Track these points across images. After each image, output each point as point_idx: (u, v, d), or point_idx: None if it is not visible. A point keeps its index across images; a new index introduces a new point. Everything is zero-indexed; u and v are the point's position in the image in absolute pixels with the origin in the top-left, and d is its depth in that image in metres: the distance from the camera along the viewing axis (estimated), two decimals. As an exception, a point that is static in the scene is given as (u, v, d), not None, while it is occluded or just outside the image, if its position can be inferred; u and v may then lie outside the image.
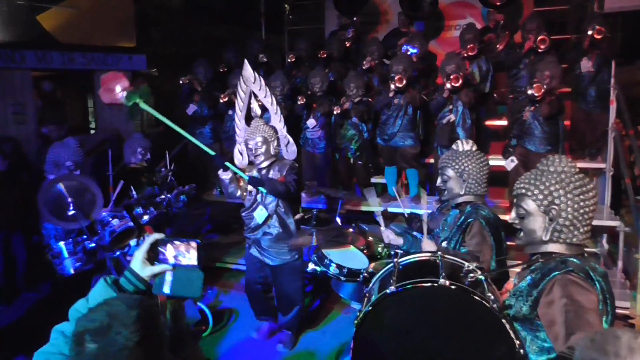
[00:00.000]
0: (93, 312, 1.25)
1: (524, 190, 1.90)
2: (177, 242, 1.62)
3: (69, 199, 3.64)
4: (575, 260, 1.78)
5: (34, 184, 4.11)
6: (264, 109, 4.26)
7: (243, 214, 4.11)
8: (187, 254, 1.61)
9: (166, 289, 1.58)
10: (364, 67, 6.40)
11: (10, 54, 7.12)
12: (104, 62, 8.01)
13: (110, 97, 3.11)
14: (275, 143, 3.98)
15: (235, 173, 3.89)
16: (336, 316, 4.91)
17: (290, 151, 4.11)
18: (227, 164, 3.77)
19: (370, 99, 6.01)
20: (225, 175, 3.84)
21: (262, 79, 4.02)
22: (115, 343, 1.17)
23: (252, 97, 4.10)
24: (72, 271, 3.67)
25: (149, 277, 1.55)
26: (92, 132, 9.54)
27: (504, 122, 6.37)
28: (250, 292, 4.32)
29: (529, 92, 4.97)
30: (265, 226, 3.99)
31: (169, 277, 1.58)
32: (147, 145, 4.96)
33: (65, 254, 3.65)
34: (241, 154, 4.19)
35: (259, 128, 3.92)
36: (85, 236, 3.71)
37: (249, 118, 4.20)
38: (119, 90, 3.08)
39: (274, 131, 4.01)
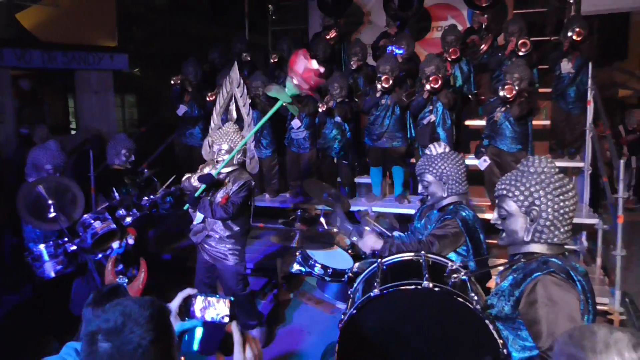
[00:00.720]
0: (106, 312, 1.25)
1: (505, 192, 1.93)
2: (210, 298, 1.59)
3: (50, 201, 3.59)
4: (556, 260, 1.82)
5: (14, 185, 4.04)
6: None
7: (190, 210, 4.10)
8: (217, 306, 1.57)
9: (195, 346, 1.52)
10: (352, 67, 6.40)
11: (-12, 52, 7.00)
12: (84, 61, 7.93)
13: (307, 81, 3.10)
14: (240, 154, 3.90)
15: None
16: (322, 316, 4.92)
17: (252, 165, 4.10)
18: (204, 186, 3.77)
19: (355, 99, 6.03)
20: (195, 183, 3.86)
21: (245, 86, 4.02)
22: (130, 342, 1.18)
23: (233, 100, 4.12)
24: (52, 274, 3.61)
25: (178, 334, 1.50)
26: (73, 132, 9.41)
27: (483, 122, 6.44)
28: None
29: (500, 93, 5.06)
30: (208, 229, 3.97)
31: (198, 333, 1.52)
32: (132, 147, 4.90)
33: (46, 257, 3.59)
34: (210, 147, 4.12)
35: (228, 134, 3.85)
36: (66, 238, 3.65)
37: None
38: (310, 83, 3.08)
39: (242, 141, 3.92)
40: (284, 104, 3.60)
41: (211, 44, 7.42)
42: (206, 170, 3.93)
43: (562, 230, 1.84)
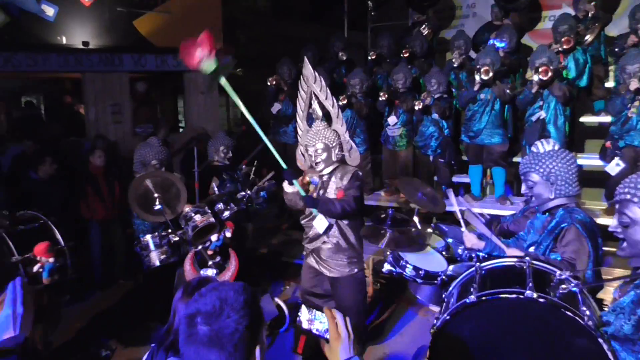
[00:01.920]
0: (203, 296, 1.31)
1: (629, 196, 1.69)
2: (316, 311, 1.59)
3: (156, 194, 3.82)
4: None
5: (127, 180, 4.37)
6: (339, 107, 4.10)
7: (302, 221, 3.86)
8: (323, 319, 1.55)
9: None
10: (454, 65, 6.14)
11: (110, 58, 7.67)
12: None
13: (189, 60, 2.95)
14: (337, 149, 3.65)
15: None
16: (414, 318, 4.78)
17: (353, 157, 3.78)
18: (295, 182, 3.53)
19: (450, 95, 5.80)
20: (289, 189, 3.63)
21: (322, 79, 3.79)
22: (228, 326, 1.25)
23: (314, 98, 3.86)
24: (157, 263, 3.85)
25: None
26: (181, 130, 10.04)
27: (600, 119, 5.87)
28: (304, 303, 3.97)
29: (633, 87, 4.50)
30: (325, 236, 3.69)
31: None
32: (230, 144, 5.10)
33: (152, 247, 3.84)
34: (303, 155, 3.92)
35: (319, 133, 3.62)
36: (170, 230, 3.87)
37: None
38: (198, 55, 2.90)
39: (336, 136, 3.67)
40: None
41: (307, 44, 7.53)
42: (309, 176, 3.78)
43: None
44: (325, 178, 3.69)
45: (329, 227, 3.63)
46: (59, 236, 3.49)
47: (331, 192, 3.64)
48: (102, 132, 7.37)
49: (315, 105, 3.84)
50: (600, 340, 1.56)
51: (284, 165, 3.57)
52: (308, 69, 3.79)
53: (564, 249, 2.46)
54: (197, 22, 8.47)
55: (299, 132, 3.97)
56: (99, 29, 7.47)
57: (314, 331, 1.55)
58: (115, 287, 5.63)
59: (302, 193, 3.57)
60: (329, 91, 3.76)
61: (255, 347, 1.30)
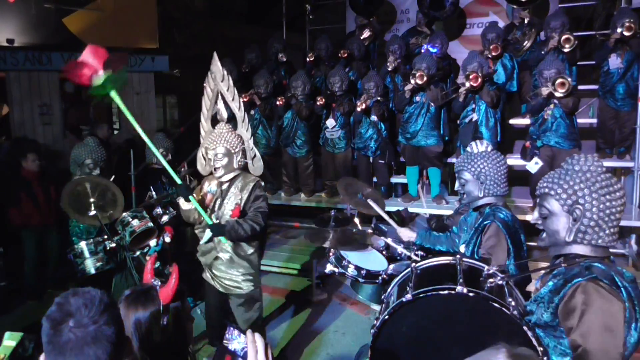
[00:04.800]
0: (66, 302, 1.35)
1: (547, 190, 1.84)
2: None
3: (91, 199, 3.69)
4: (600, 266, 1.71)
5: (63, 183, 4.19)
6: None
7: (197, 231, 3.57)
8: (240, 339, 1.49)
9: None
10: (388, 69, 6.30)
11: (38, 56, 7.29)
12: (127, 63, 8.12)
13: (80, 79, 2.72)
14: (240, 156, 3.40)
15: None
16: (356, 317, 4.88)
17: (256, 166, 3.55)
18: (192, 198, 3.20)
19: (387, 98, 5.97)
20: (186, 206, 3.33)
21: (230, 78, 3.53)
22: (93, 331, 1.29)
23: (220, 97, 3.63)
24: (93, 271, 3.72)
25: None
26: (116, 132, 9.69)
27: (528, 121, 6.24)
28: (207, 318, 3.80)
29: (552, 92, 4.85)
30: (217, 249, 3.42)
31: None
32: (169, 146, 5.00)
33: (87, 254, 3.71)
34: (204, 158, 3.61)
35: (222, 136, 3.34)
36: (105, 236, 3.75)
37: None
38: (86, 73, 2.69)
39: (240, 141, 3.42)
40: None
41: (249, 45, 7.49)
42: (206, 186, 3.50)
43: (607, 232, 1.73)
44: (224, 187, 3.43)
45: (212, 238, 3.38)
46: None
47: (229, 204, 3.37)
48: (29, 133, 7.00)
49: (220, 105, 3.60)
50: (524, 328, 1.68)
51: (178, 181, 3.18)
52: (217, 65, 3.53)
53: (485, 244, 2.65)
54: (131, 20, 8.22)
55: (202, 132, 3.69)
56: (25, 25, 7.09)
57: (230, 349, 1.49)
58: (46, 296, 5.36)
59: (204, 215, 3.27)
60: (236, 92, 3.54)
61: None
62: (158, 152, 3.15)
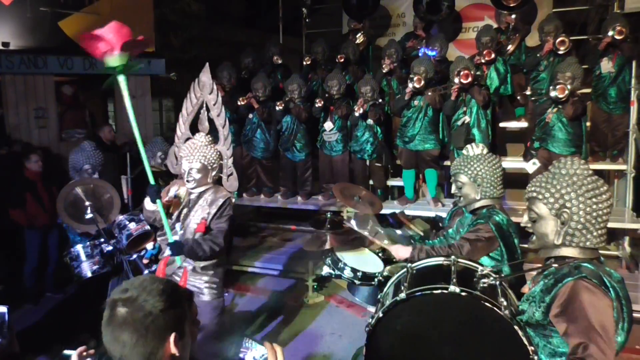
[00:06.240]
0: (126, 286, 1.43)
1: (535, 194, 1.88)
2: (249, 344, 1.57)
3: (87, 203, 3.70)
4: (589, 265, 1.75)
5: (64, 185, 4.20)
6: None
7: (159, 239, 3.48)
8: (256, 351, 1.54)
9: None
10: (384, 71, 6.35)
11: (34, 59, 7.29)
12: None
13: (92, 48, 2.65)
14: (216, 171, 3.32)
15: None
16: (353, 319, 4.90)
17: (230, 183, 3.44)
18: (158, 201, 3.05)
19: (382, 101, 6.01)
20: (150, 207, 3.22)
21: (219, 94, 3.46)
22: (141, 309, 1.35)
23: (204, 108, 3.52)
24: (89, 274, 3.72)
25: None
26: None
27: (522, 124, 6.30)
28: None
29: (552, 93, 4.91)
30: (181, 258, 3.20)
31: None
32: (167, 149, 5.00)
33: (83, 257, 3.70)
34: (177, 158, 3.49)
35: (200, 150, 3.22)
36: (102, 239, 3.76)
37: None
38: (102, 47, 2.62)
39: (219, 157, 3.33)
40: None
41: (246, 49, 7.52)
42: (174, 190, 3.34)
43: (595, 234, 1.77)
44: (193, 196, 3.29)
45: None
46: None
47: (195, 217, 3.24)
48: (25, 137, 7.00)
49: (203, 116, 3.47)
50: (515, 327, 1.72)
51: (151, 181, 3.09)
52: (207, 75, 3.46)
53: (465, 235, 2.71)
54: (128, 23, 8.22)
55: (178, 133, 3.57)
56: (20, 29, 7.09)
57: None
58: (44, 300, 5.36)
59: (165, 222, 3.11)
60: (223, 109, 3.45)
61: (169, 332, 1.38)
62: (144, 150, 3.02)
